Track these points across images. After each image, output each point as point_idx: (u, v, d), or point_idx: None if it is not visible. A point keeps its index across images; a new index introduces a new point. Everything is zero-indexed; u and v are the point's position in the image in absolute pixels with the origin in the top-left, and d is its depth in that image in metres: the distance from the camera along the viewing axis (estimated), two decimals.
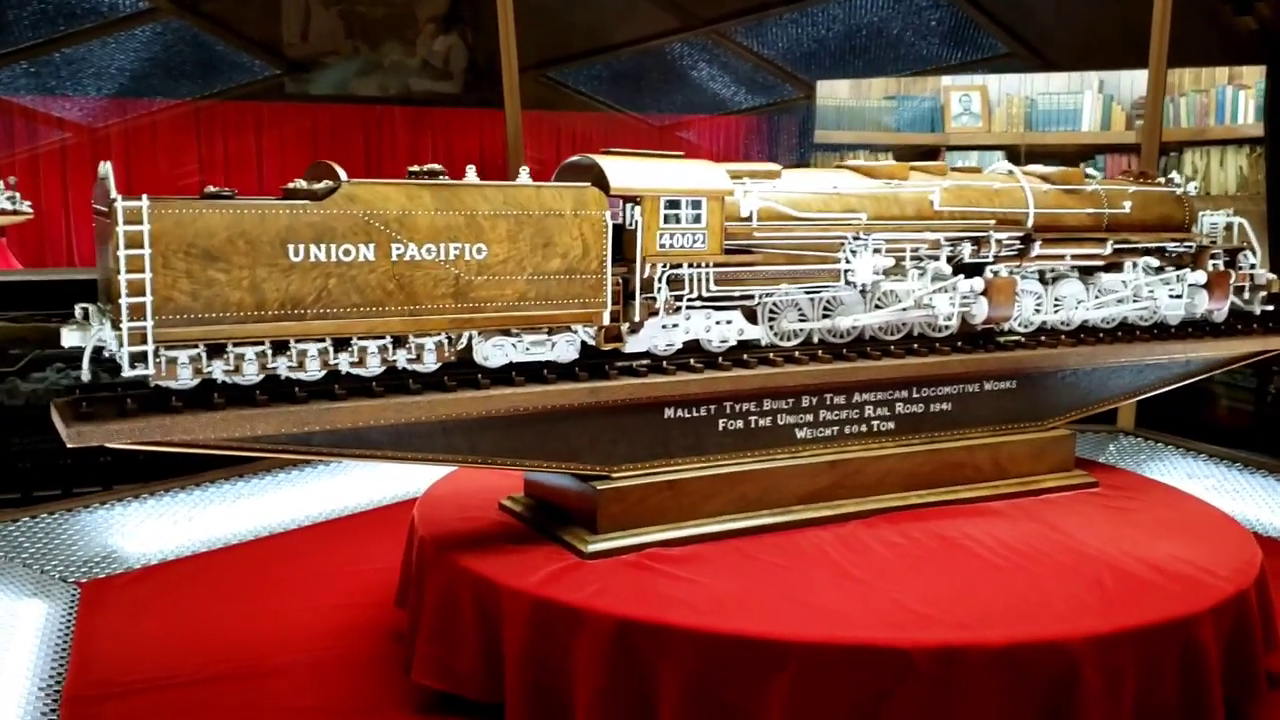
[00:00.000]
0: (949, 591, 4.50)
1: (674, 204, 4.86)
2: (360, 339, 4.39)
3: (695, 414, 5.15)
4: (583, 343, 4.89)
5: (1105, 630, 4.13)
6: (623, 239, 4.84)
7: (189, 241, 4.03)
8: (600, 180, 4.76)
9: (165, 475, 7.06)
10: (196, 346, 4.13)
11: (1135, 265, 6.24)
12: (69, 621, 5.46)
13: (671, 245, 4.88)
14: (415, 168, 4.52)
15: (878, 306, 5.56)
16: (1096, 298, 6.19)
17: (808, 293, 5.38)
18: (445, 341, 4.58)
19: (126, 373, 4.02)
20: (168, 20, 9.06)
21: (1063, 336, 6.12)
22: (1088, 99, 8.48)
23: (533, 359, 4.78)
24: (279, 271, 4.18)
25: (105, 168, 4.05)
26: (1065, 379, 6.13)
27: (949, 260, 5.68)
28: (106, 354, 4.24)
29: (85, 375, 4.09)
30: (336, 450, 4.46)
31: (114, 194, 3.92)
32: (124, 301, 3.94)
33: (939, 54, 9.74)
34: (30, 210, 9.40)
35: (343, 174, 4.31)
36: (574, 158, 5.02)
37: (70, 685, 5.06)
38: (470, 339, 4.66)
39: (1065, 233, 5.97)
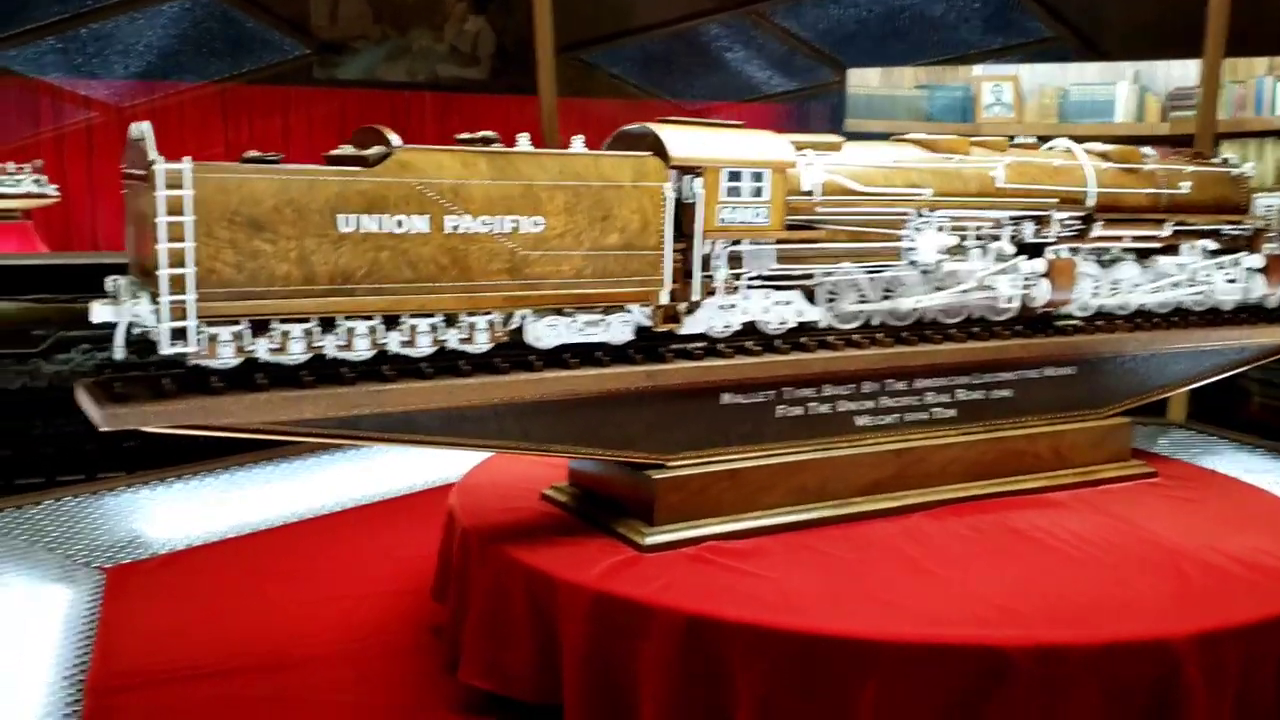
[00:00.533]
0: (1031, 586, 4.26)
1: (735, 176, 4.59)
2: (411, 317, 4.11)
3: (753, 400, 4.89)
4: (637, 324, 4.62)
5: (1209, 628, 3.90)
6: (680, 213, 4.56)
7: (233, 209, 3.73)
8: (658, 150, 4.48)
9: (192, 459, 6.86)
10: (239, 323, 3.84)
11: (1192, 248, 6.01)
12: (93, 608, 5.27)
13: (732, 220, 4.61)
14: (467, 135, 4.24)
15: (938, 288, 5.30)
16: (1153, 281, 5.96)
17: (868, 273, 5.12)
18: (498, 321, 4.30)
19: (165, 350, 3.72)
20: None
21: (1119, 321, 5.89)
22: (1122, 90, 8.23)
23: (586, 340, 4.50)
24: (328, 243, 3.89)
25: (141, 128, 3.75)
26: (1124, 365, 5.90)
27: (1011, 240, 5.43)
28: (137, 331, 3.94)
29: (119, 353, 3.79)
30: (385, 435, 4.17)
31: (153, 155, 3.62)
32: (163, 273, 3.65)
33: (978, 39, 9.48)
34: (57, 193, 9.15)
35: (395, 139, 4.02)
36: (629, 126, 4.74)
37: (94, 674, 4.79)
38: (523, 318, 4.38)
39: (1125, 213, 5.74)
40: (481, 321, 4.25)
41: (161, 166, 3.61)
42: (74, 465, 6.95)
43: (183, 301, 3.69)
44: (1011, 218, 5.42)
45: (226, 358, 3.85)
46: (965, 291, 5.32)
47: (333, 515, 6.78)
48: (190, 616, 5.34)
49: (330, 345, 4.02)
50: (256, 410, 3.86)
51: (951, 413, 5.41)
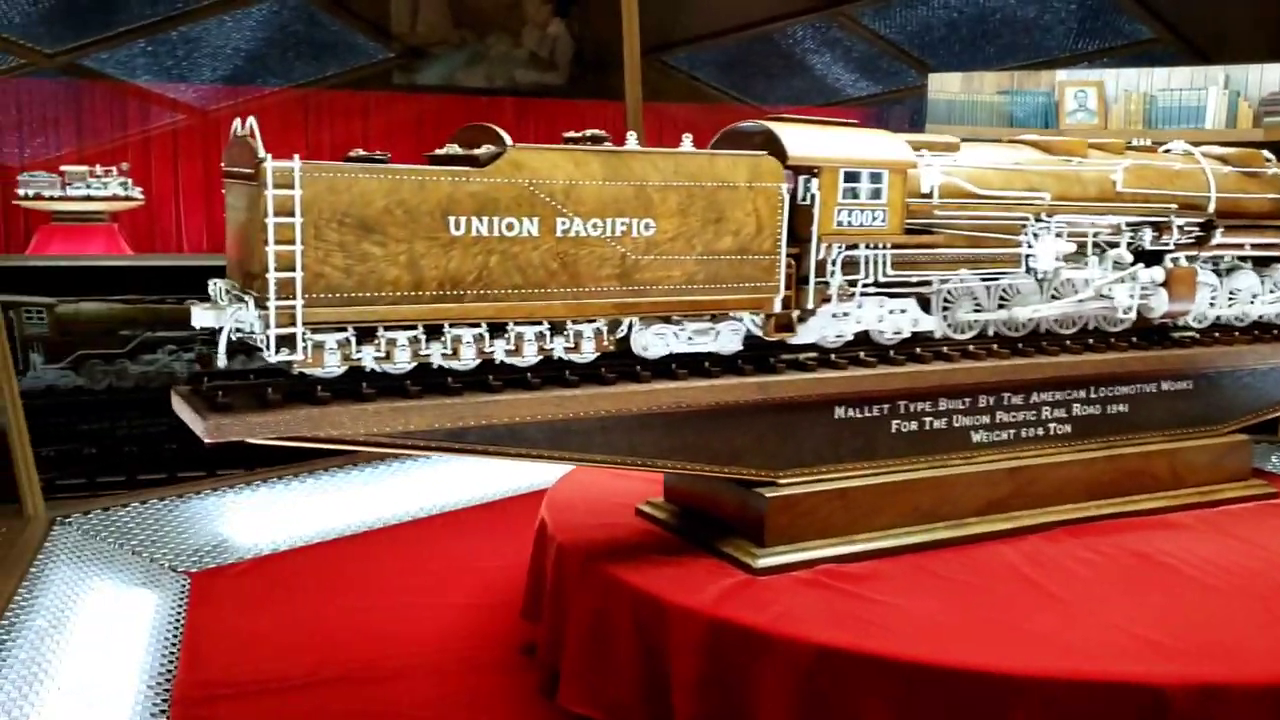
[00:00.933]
0: (1174, 618, 3.99)
1: (853, 177, 4.35)
2: (517, 324, 3.90)
3: (866, 414, 4.64)
4: (747, 333, 4.39)
5: None
6: (794, 216, 4.33)
7: (343, 210, 3.53)
8: (774, 149, 4.25)
9: (274, 461, 6.73)
10: (345, 329, 3.64)
11: None
12: (179, 614, 5.19)
13: (849, 223, 4.38)
14: (574, 134, 4.02)
15: (1053, 296, 5.04)
16: (1273, 291, 5.67)
17: (984, 280, 4.87)
18: (604, 329, 4.08)
19: (271, 358, 3.53)
20: None
21: (1236, 334, 5.60)
22: (1212, 95, 7.89)
23: (695, 350, 4.28)
24: (439, 247, 3.69)
25: (247, 124, 3.56)
26: (1242, 380, 5.61)
27: (1129, 247, 5.17)
28: (234, 336, 3.75)
29: (221, 360, 3.60)
30: (490, 448, 3.97)
31: (262, 152, 3.43)
32: (271, 277, 3.45)
33: (1071, 42, 9.13)
34: (141, 197, 9.12)
35: (506, 138, 3.82)
36: (740, 124, 4.52)
37: (181, 684, 4.65)
38: (630, 326, 4.16)
39: (1246, 219, 5.45)
40: (588, 330, 4.04)
41: (271, 164, 3.41)
42: (155, 465, 6.92)
43: (291, 307, 3.50)
44: (1130, 223, 5.15)
45: (332, 366, 3.66)
46: (1083, 301, 5.06)
47: (414, 523, 6.62)
48: (276, 624, 5.19)
49: (436, 354, 3.82)
50: (363, 421, 3.67)
51: (1067, 429, 5.14)
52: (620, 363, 4.18)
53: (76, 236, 9.16)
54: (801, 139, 4.29)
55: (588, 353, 4.07)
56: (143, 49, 9.02)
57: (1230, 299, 5.59)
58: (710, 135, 4.65)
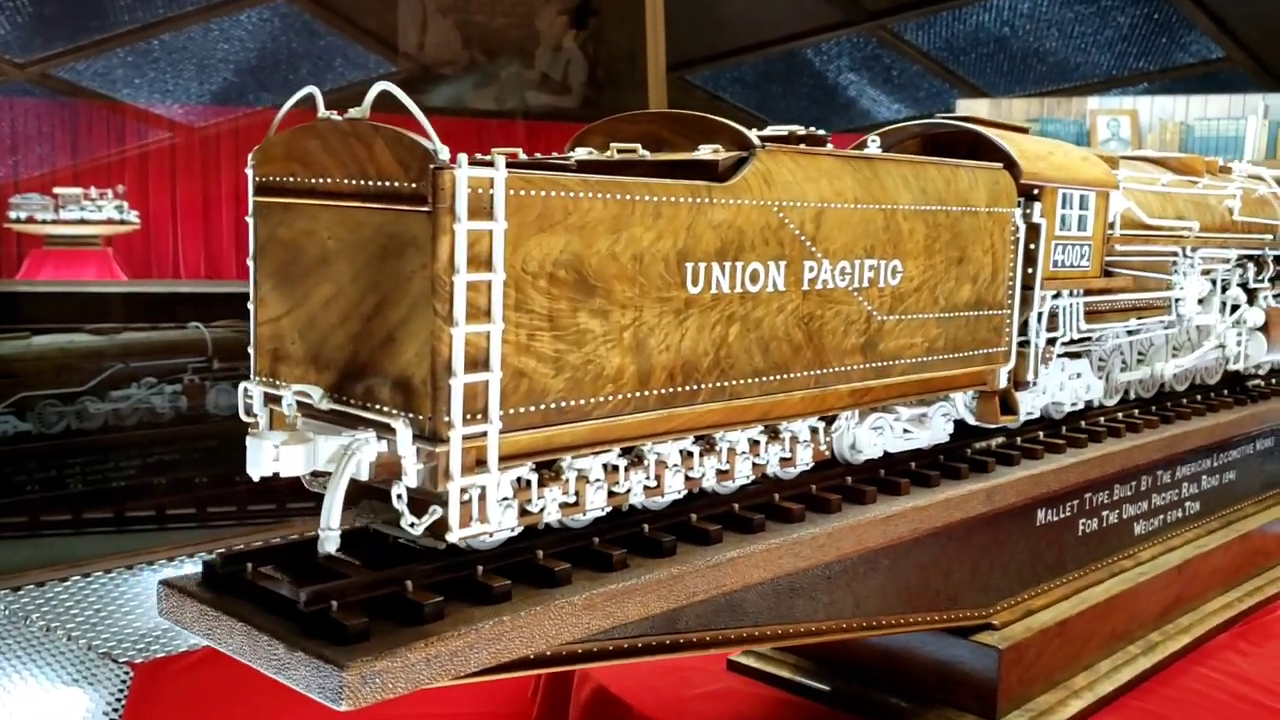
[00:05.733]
0: None
1: (1067, 201, 3.23)
2: (727, 430, 2.45)
3: (1061, 516, 3.51)
4: (955, 418, 3.15)
5: None
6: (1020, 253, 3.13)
7: (556, 257, 1.98)
8: (995, 163, 3.04)
9: (240, 518, 6.04)
10: (525, 464, 2.06)
11: None
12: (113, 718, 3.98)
13: (1063, 264, 3.25)
14: (769, 130, 2.61)
15: (1175, 347, 4.15)
16: None
17: (1130, 332, 3.87)
18: (820, 427, 2.71)
19: (456, 532, 1.91)
20: (275, 3, 7.13)
21: None
22: (1251, 125, 7.38)
23: (907, 446, 2.98)
24: (671, 314, 2.19)
25: (369, 99, 1.93)
26: None
27: (1240, 285, 4.37)
28: (306, 481, 2.08)
29: (331, 543, 1.92)
30: (708, 635, 2.47)
31: (436, 145, 1.83)
32: (458, 384, 1.84)
33: (1133, 61, 8.34)
34: (137, 220, 8.54)
35: (752, 135, 2.38)
36: (906, 123, 3.28)
37: None
38: (847, 420, 2.81)
39: None
40: (803, 430, 2.64)
41: (464, 173, 1.81)
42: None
43: (482, 435, 1.90)
44: (1241, 258, 4.35)
45: (503, 529, 2.06)
46: (1212, 349, 4.21)
47: None
48: None
49: (637, 488, 2.30)
50: (570, 623, 2.09)
51: (1196, 506, 4.26)
52: (821, 475, 2.80)
53: (70, 262, 8.78)
54: (1033, 151, 3.11)
55: (802, 463, 2.67)
56: (122, 59, 7.36)
57: None
58: None
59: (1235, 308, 4.33)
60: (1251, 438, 4.56)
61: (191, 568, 4.99)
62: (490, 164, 1.85)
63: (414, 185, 1.83)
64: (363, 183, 1.92)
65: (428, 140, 1.83)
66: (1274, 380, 4.88)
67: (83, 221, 8.32)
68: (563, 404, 2.02)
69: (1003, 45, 8.76)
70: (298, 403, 2.03)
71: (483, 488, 1.97)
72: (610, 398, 2.10)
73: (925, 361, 2.82)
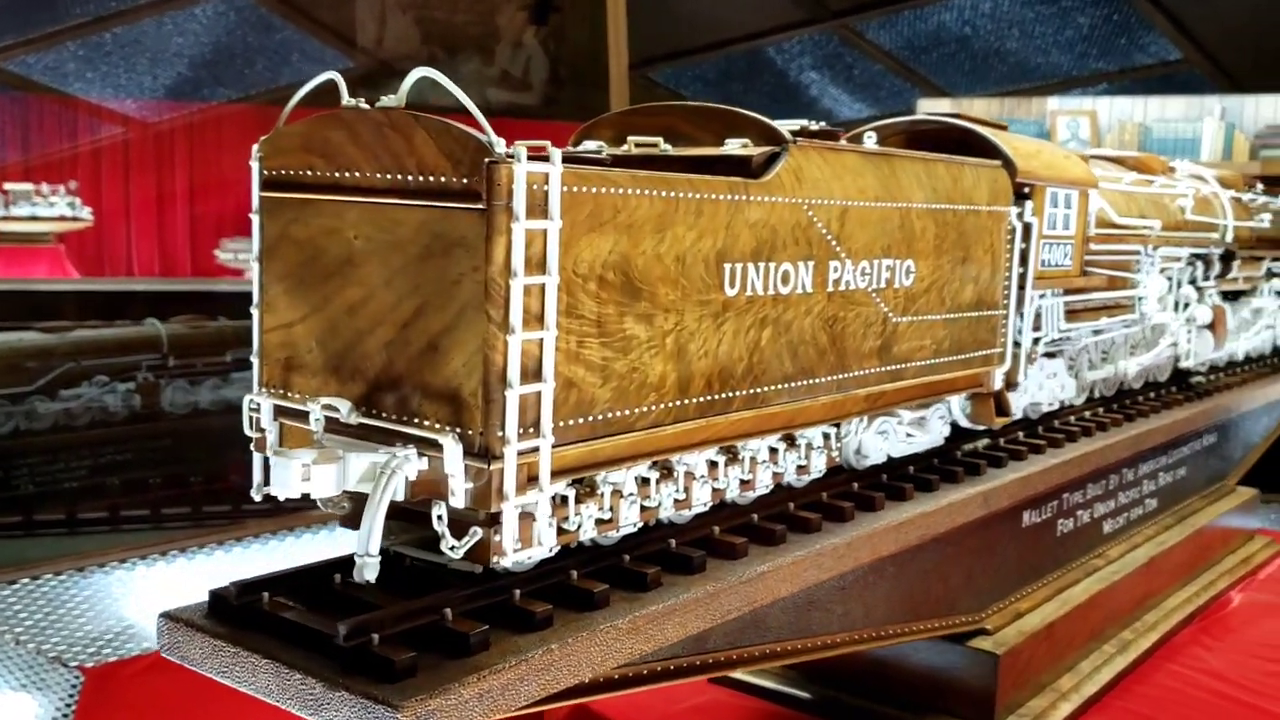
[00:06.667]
0: None
1: (1054, 200, 3.20)
2: (748, 439, 2.34)
3: (1043, 517, 3.49)
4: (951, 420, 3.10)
5: None
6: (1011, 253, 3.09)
7: (605, 258, 1.85)
8: (989, 159, 3.00)
9: (196, 520, 5.75)
10: (563, 481, 1.93)
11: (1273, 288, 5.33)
12: None
13: (1050, 262, 3.22)
14: (797, 125, 2.49)
15: (1133, 345, 4.17)
16: (1255, 325, 5.19)
17: (1096, 331, 3.88)
18: (832, 433, 2.63)
19: (509, 556, 1.77)
20: None
21: (1228, 374, 5.05)
22: (1208, 126, 7.46)
23: (908, 450, 2.92)
24: (709, 317, 2.08)
25: (409, 82, 1.78)
26: (1241, 425, 5.07)
27: (1191, 283, 4.43)
28: (322, 502, 1.92)
29: (368, 570, 1.76)
30: (735, 654, 2.36)
31: (491, 137, 1.68)
32: (513, 395, 1.70)
33: (1093, 61, 8.27)
34: (90, 217, 8.03)
35: (783, 129, 2.28)
36: (892, 119, 3.21)
37: None
38: (854, 425, 2.73)
39: (1256, 249, 4.92)
40: (816, 436, 2.56)
41: (522, 168, 1.67)
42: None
43: (535, 451, 1.76)
44: (1192, 256, 4.40)
45: (540, 550, 1.92)
46: (1169, 347, 4.25)
47: None
48: None
49: (668, 502, 2.18)
50: (615, 648, 1.96)
51: (1154, 502, 4.29)
52: (827, 482, 2.72)
53: (20, 259, 8.34)
54: (1025, 148, 3.07)
55: (816, 470, 2.59)
56: (74, 53, 6.85)
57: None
58: None
59: (1185, 305, 4.38)
60: (1199, 433, 4.62)
61: (144, 569, 4.76)
62: (545, 158, 1.71)
63: (465, 180, 1.68)
64: (400, 177, 1.76)
65: (480, 132, 1.68)
66: (1211, 376, 4.96)
67: (34, 218, 7.96)
68: (609, 415, 1.89)
69: (964, 45, 8.79)
70: (326, 418, 1.85)
71: (533, 507, 1.83)
72: (653, 407, 1.98)
73: (933, 364, 2.75)
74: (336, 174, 1.84)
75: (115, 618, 4.62)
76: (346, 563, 2.01)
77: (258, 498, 2.05)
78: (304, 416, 1.90)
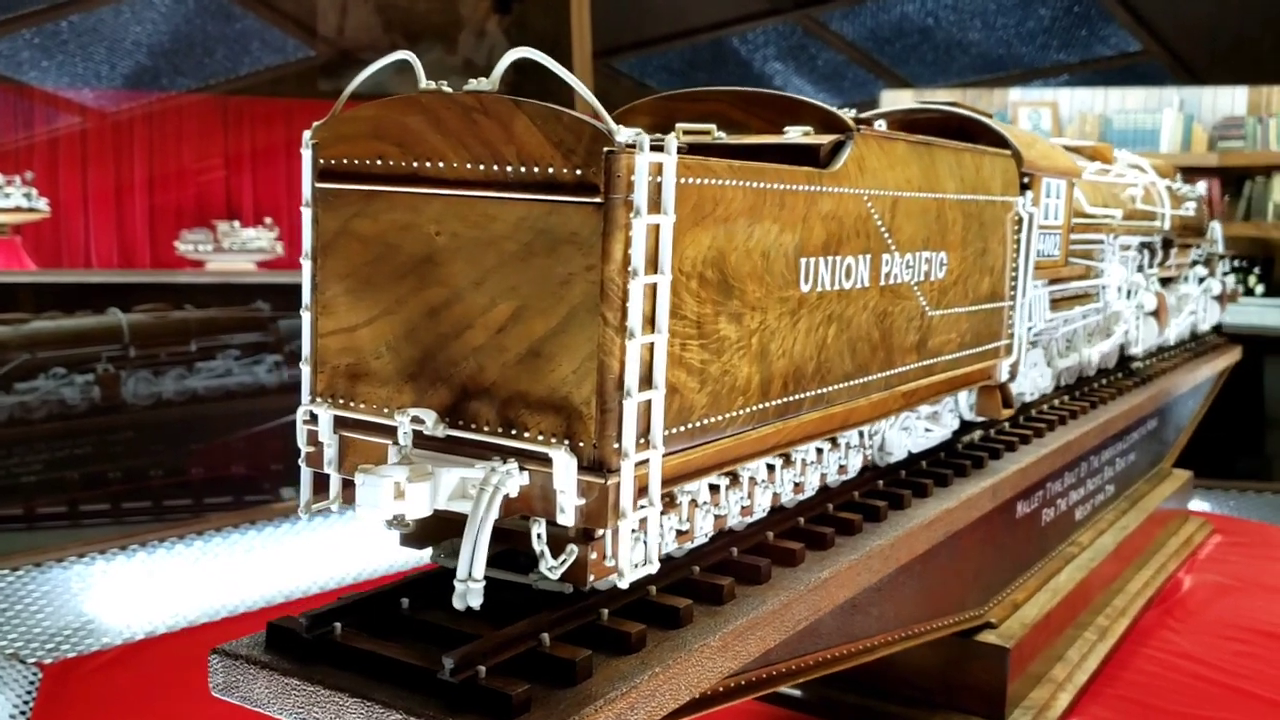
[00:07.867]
0: None
1: (1049, 191, 3.20)
2: (811, 441, 2.26)
3: (1031, 508, 3.48)
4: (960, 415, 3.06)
5: None
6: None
7: (703, 254, 1.74)
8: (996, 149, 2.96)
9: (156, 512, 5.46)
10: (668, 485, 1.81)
11: (1196, 276, 5.48)
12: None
13: (1043, 253, 3.21)
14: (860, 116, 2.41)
15: (1090, 333, 4.22)
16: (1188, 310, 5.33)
17: (1066, 320, 3.90)
18: (866, 432, 2.56)
19: (627, 577, 1.64)
20: None
21: (1159, 360, 5.17)
22: (1167, 118, 7.50)
23: (925, 445, 2.87)
24: (787, 314, 1.98)
25: (514, 57, 1.64)
26: (1173, 408, 5.19)
27: (1140, 272, 4.50)
28: (392, 520, 1.77)
29: (475, 598, 1.61)
30: (794, 664, 2.27)
31: (610, 124, 1.55)
32: (630, 406, 1.58)
33: (1054, 53, 8.20)
34: (47, 208, 7.83)
35: (847, 116, 2.19)
36: (890, 108, 3.15)
37: None
38: (884, 422, 2.66)
39: (1184, 237, 5.04)
40: (854, 436, 2.49)
41: (645, 158, 1.55)
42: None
43: (646, 462, 1.64)
44: (1140, 244, 4.48)
45: (631, 566, 1.80)
46: (1121, 334, 4.31)
47: (324, 595, 4.60)
48: None
49: (734, 509, 2.08)
50: (706, 668, 1.85)
51: (1112, 488, 4.35)
52: (854, 480, 2.65)
53: None
54: (1021, 138, 3.05)
55: (854, 469, 2.52)
56: (28, 40, 6.27)
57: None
58: None
59: (1133, 293, 4.45)
60: (1146, 418, 4.70)
61: (104, 564, 4.48)
62: (660, 147, 1.59)
63: (579, 171, 1.55)
64: (495, 168, 1.62)
65: (597, 119, 1.55)
66: (1147, 361, 5.07)
67: None
68: (704, 421, 1.78)
69: (927, 36, 8.81)
70: (413, 431, 1.69)
71: (644, 523, 1.71)
72: (740, 412, 1.87)
73: (957, 357, 2.71)
74: (414, 164, 1.68)
75: (74, 613, 4.48)
76: (411, 586, 1.86)
77: (304, 516, 1.89)
78: (372, 429, 1.74)
